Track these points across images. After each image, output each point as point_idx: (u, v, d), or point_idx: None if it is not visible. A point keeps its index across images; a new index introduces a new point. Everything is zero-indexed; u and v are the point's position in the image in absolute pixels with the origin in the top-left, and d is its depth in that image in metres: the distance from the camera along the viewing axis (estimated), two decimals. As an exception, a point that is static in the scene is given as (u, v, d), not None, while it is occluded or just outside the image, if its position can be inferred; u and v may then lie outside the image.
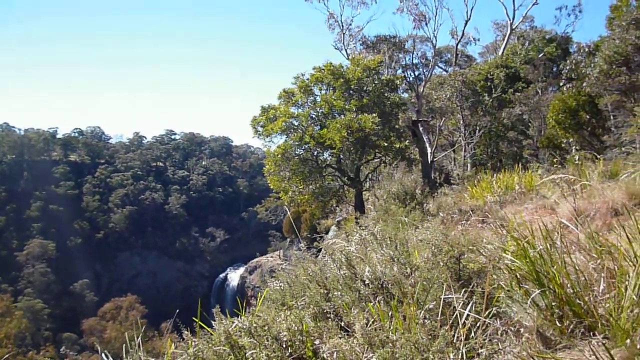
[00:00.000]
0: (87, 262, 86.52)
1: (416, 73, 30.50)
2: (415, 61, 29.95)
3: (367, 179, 22.15)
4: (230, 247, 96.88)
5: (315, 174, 18.27)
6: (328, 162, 19.13)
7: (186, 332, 3.11)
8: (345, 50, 28.75)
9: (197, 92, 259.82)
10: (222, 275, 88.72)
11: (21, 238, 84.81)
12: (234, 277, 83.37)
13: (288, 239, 45.87)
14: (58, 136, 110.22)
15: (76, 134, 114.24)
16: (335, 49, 29.08)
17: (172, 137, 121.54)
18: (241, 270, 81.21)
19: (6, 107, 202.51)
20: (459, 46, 33.50)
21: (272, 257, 74.49)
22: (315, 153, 18.63)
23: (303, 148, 18.34)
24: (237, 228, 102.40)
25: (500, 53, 32.54)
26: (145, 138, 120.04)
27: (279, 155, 17.90)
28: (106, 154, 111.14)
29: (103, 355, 3.64)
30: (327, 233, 29.52)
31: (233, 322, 3.05)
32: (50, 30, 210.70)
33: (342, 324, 3.35)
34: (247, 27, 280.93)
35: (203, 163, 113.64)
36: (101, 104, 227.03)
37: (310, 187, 18.60)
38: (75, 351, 43.01)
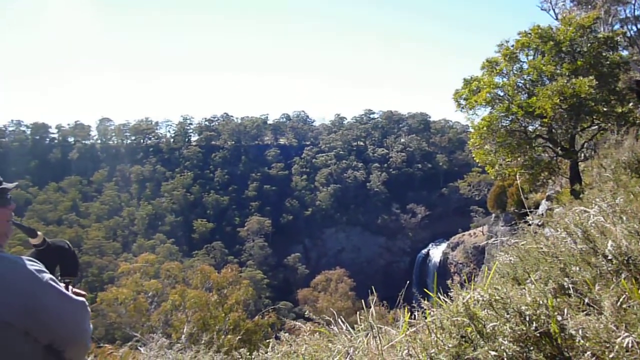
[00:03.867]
0: (297, 237, 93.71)
1: (638, 26, 26.91)
2: (636, 13, 26.41)
3: (583, 149, 20.24)
4: (430, 223, 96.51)
5: (524, 146, 17.23)
6: (538, 133, 17.88)
7: (425, 302, 3.19)
8: (553, 10, 26.49)
9: (394, 69, 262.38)
10: (424, 251, 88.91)
11: (242, 215, 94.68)
12: (435, 253, 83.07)
13: (493, 215, 44.09)
14: (269, 122, 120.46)
15: (284, 119, 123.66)
16: (542, 10, 26.94)
17: (371, 116, 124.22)
18: (443, 246, 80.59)
19: (226, 98, 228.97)
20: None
21: (474, 233, 72.68)
22: (524, 123, 17.56)
23: (510, 119, 17.39)
24: (436, 204, 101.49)
25: None
26: (346, 119, 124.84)
27: (484, 128, 17.20)
28: (311, 136, 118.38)
29: (339, 321, 3.88)
30: (536, 208, 27.76)
31: (468, 294, 3.05)
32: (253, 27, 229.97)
33: (586, 300, 3.14)
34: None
35: (401, 140, 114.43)
36: (305, 89, 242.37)
37: (519, 159, 17.61)
38: (291, 318, 46.81)
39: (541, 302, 2.71)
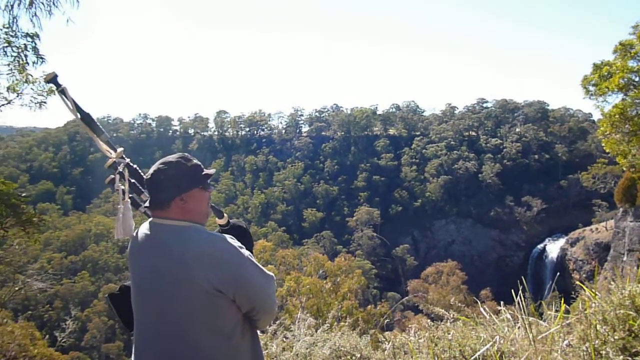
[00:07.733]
0: (406, 228, 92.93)
1: None
2: None
3: None
4: (547, 217, 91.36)
5: (662, 135, 15.94)
6: (678, 120, 16.45)
7: (589, 291, 3.11)
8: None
9: (509, 57, 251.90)
10: (539, 247, 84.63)
11: (351, 205, 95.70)
12: (552, 248, 78.87)
13: (620, 209, 41.02)
14: (378, 112, 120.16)
15: (393, 109, 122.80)
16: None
17: (484, 105, 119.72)
18: (561, 241, 76.41)
19: (336, 90, 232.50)
20: None
21: (597, 228, 68.21)
22: (662, 110, 16.22)
23: (646, 106, 16.14)
24: (554, 197, 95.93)
25: None
26: (457, 108, 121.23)
27: (617, 116, 16.09)
28: (421, 127, 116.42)
29: (483, 310, 3.89)
30: (672, 202, 25.63)
31: (631, 287, 2.95)
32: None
33: None
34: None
35: (517, 130, 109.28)
36: (415, 78, 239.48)
37: (655, 149, 16.32)
38: (399, 309, 46.68)
39: None
